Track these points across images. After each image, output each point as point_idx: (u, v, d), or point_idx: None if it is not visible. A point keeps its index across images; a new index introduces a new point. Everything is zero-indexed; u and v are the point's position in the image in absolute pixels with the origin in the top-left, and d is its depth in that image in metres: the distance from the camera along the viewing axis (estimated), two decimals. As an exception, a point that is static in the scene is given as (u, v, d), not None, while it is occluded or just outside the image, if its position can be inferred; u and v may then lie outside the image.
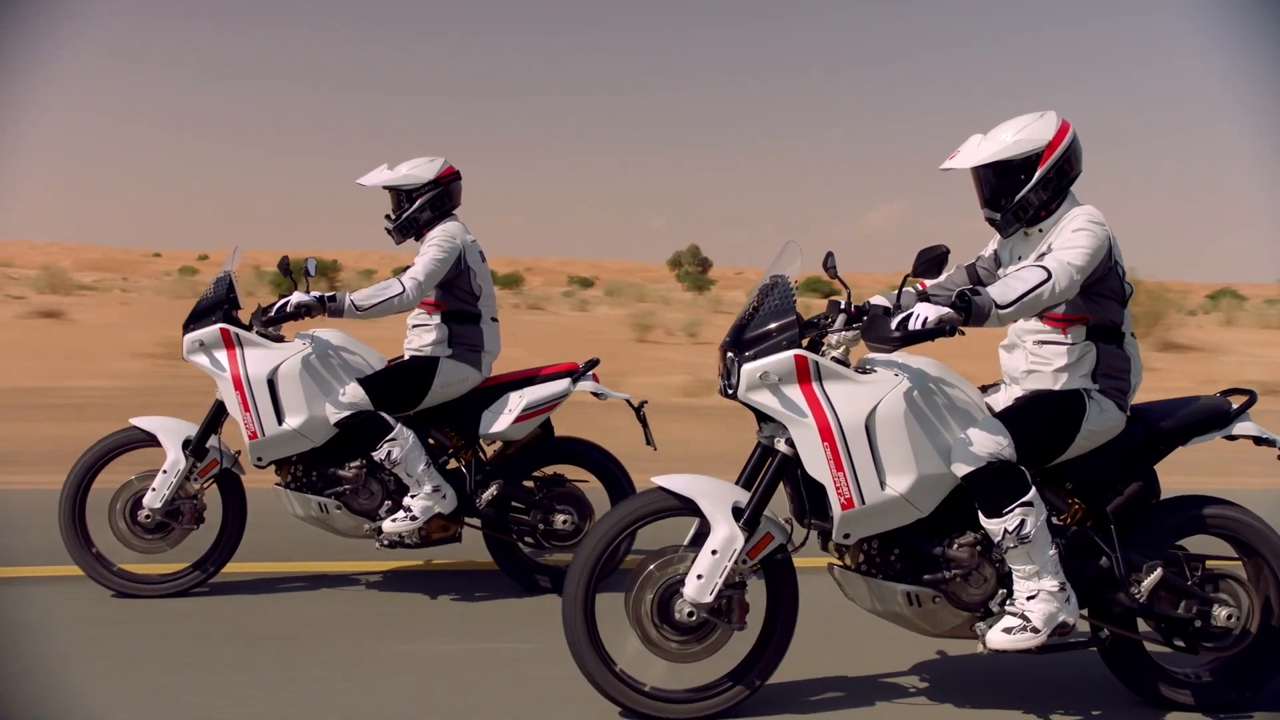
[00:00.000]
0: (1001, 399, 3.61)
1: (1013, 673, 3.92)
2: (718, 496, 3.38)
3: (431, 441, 4.84)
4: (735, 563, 3.33)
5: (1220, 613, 3.51)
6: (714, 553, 3.32)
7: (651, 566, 3.41)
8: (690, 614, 3.32)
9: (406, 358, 4.87)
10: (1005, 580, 3.44)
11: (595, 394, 4.92)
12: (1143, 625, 3.60)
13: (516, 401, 4.77)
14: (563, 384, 4.84)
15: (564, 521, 4.76)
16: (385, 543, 4.68)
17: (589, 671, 3.40)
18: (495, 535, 4.85)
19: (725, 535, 3.32)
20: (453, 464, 4.89)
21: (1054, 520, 3.54)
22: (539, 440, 4.96)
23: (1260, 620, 3.60)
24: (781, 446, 3.39)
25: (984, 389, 3.68)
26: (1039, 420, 3.42)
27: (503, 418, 4.74)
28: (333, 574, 5.07)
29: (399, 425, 4.63)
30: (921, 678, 3.89)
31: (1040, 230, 3.51)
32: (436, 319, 4.82)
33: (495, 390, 4.88)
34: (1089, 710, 3.62)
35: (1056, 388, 3.47)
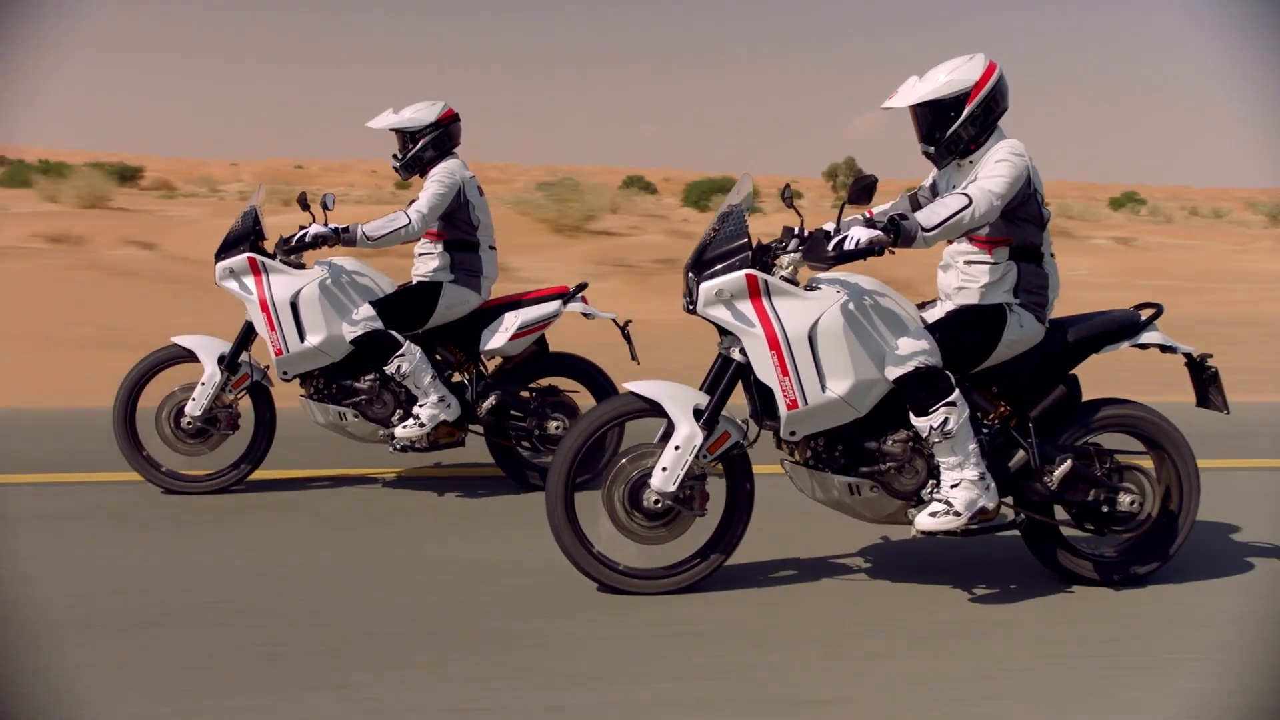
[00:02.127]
0: (936, 313, 4.05)
1: (944, 554, 4.44)
2: (681, 399, 3.86)
3: (439, 358, 5.35)
4: (696, 457, 3.81)
5: (1125, 499, 3.98)
6: (677, 448, 3.81)
7: (624, 460, 3.91)
8: (656, 502, 3.82)
9: (414, 283, 5.36)
10: (935, 472, 3.91)
11: (584, 314, 5.40)
12: (1061, 513, 4.09)
13: (512, 321, 5.27)
14: (554, 305, 5.32)
15: (556, 427, 5.26)
16: (398, 447, 5.20)
17: (569, 553, 3.91)
18: (496, 440, 5.36)
19: (687, 433, 3.81)
20: (457, 377, 5.39)
21: (982, 420, 4.01)
22: (535, 356, 5.46)
23: (1161, 506, 4.08)
24: (736, 355, 3.86)
25: (922, 305, 4.12)
26: (965, 330, 3.88)
27: (499, 335, 5.24)
28: (352, 475, 5.62)
29: (407, 342, 5.13)
30: (865, 559, 4.41)
31: (970, 162, 3.93)
32: (439, 248, 5.31)
33: (494, 311, 5.37)
34: (1008, 584, 4.12)
35: (982, 302, 3.92)
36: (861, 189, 3.59)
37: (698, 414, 3.83)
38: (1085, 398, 4.11)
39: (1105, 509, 3.98)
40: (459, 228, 5.29)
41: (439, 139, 5.31)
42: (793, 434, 3.85)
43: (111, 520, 4.81)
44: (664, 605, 3.83)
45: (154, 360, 5.22)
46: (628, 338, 5.35)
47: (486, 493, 5.37)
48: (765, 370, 3.77)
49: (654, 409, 3.88)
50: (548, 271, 13.59)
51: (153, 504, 5.06)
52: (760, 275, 3.78)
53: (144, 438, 5.19)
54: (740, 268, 3.78)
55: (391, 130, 5.32)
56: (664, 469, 3.81)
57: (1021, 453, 3.98)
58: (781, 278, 3.82)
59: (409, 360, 5.11)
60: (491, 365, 5.50)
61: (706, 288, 3.79)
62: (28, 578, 3.99)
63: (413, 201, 5.18)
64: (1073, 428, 4.04)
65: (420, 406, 5.17)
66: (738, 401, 3.97)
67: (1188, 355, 4.10)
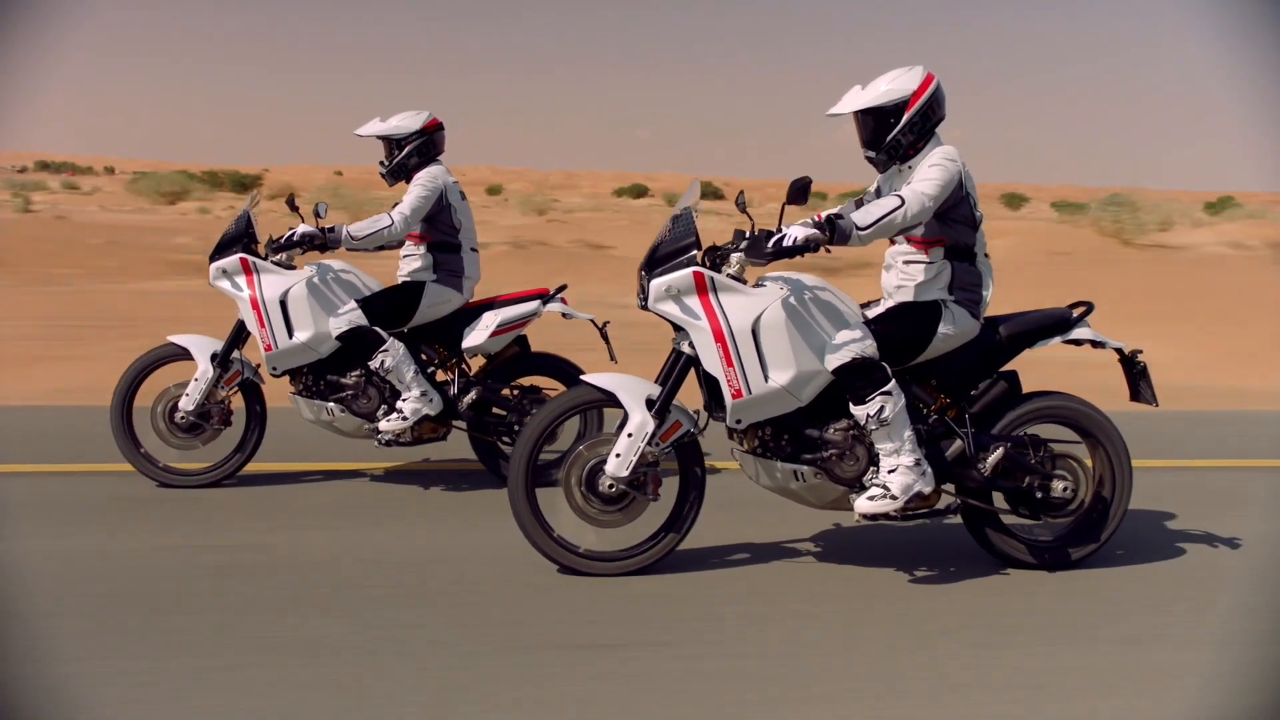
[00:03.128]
0: (878, 311, 4.29)
1: (890, 540, 4.68)
2: (634, 390, 4.12)
3: (424, 356, 5.62)
4: (648, 444, 4.06)
5: (1058, 485, 4.20)
6: (629, 435, 4.06)
7: (581, 447, 4.18)
8: (611, 486, 4.06)
9: (399, 282, 5.64)
10: (875, 460, 4.14)
11: (563, 314, 5.66)
12: (1001, 501, 4.31)
13: (491, 319, 5.53)
14: (533, 305, 5.58)
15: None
16: (383, 440, 5.47)
17: (531, 537, 4.15)
18: (478, 436, 5.62)
19: (639, 421, 4.06)
20: (442, 375, 5.66)
21: (923, 411, 4.24)
22: (518, 356, 5.72)
23: (1094, 493, 4.29)
24: (685, 348, 4.11)
25: (867, 304, 4.36)
26: (902, 324, 4.12)
27: (479, 333, 5.51)
28: (342, 470, 5.89)
29: (390, 338, 5.41)
30: (815, 544, 4.63)
31: (910, 167, 4.17)
32: (422, 249, 5.59)
33: (477, 310, 5.63)
34: (948, 567, 4.35)
35: (918, 299, 4.16)
36: (798, 190, 3.84)
37: (650, 403, 4.08)
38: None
39: (1039, 495, 4.20)
40: (441, 230, 5.57)
41: (423, 146, 5.60)
42: (738, 421, 4.09)
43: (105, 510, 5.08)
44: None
45: (150, 358, 5.50)
46: (605, 337, 5.60)
47: (468, 487, 5.62)
48: (711, 361, 4.02)
49: (608, 399, 4.14)
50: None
51: (146, 496, 5.33)
52: (707, 272, 4.03)
53: (141, 434, 5.46)
54: (688, 265, 4.03)
55: (378, 138, 5.61)
56: (618, 455, 4.05)
57: (958, 441, 4.20)
58: (729, 275, 4.07)
59: (392, 355, 5.38)
60: (476, 364, 5.76)
61: (656, 284, 4.05)
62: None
63: (396, 204, 5.47)
64: (1009, 418, 4.26)
65: (403, 401, 5.44)
66: (695, 394, 4.22)
67: (1119, 350, 4.31)
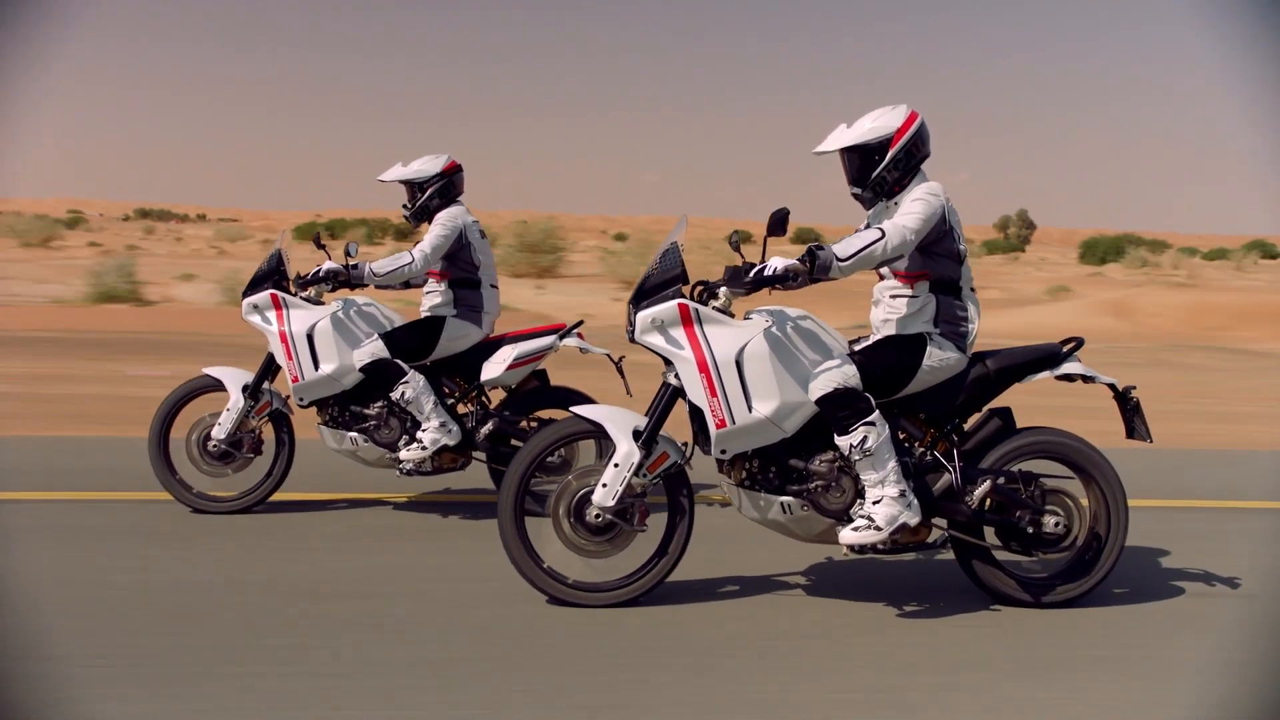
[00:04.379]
0: (865, 345, 4.32)
1: (880, 575, 4.68)
2: (621, 421, 4.20)
3: (446, 390, 5.79)
4: (634, 474, 4.13)
5: (1049, 521, 4.17)
6: (615, 465, 4.14)
7: (570, 477, 4.26)
8: (597, 516, 4.14)
9: (421, 317, 5.83)
10: (863, 492, 4.16)
11: (580, 349, 5.79)
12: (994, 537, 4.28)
13: (508, 353, 5.69)
14: (549, 339, 5.72)
15: (554, 455, 5.63)
16: (404, 470, 5.63)
17: (520, 568, 4.23)
18: (495, 466, 5.76)
19: (625, 451, 4.14)
20: (463, 408, 5.83)
21: (911, 445, 4.25)
22: (537, 389, 5.86)
23: (1089, 529, 4.25)
24: (671, 379, 4.19)
25: (856, 340, 4.39)
26: (886, 356, 4.15)
27: (496, 366, 5.66)
28: (366, 499, 6.06)
29: (411, 371, 5.60)
30: (806, 577, 4.65)
31: (896, 203, 4.21)
32: (443, 285, 5.80)
33: (496, 345, 5.80)
34: (938, 601, 4.33)
35: (903, 332, 4.19)
36: (776, 221, 3.93)
37: (637, 435, 4.16)
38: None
39: (1031, 530, 4.17)
40: (461, 267, 5.76)
41: (444, 188, 5.82)
42: (723, 452, 4.14)
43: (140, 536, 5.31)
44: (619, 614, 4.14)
45: (187, 389, 5.76)
46: (621, 372, 5.70)
47: (487, 515, 5.74)
48: (695, 391, 4.09)
49: (596, 430, 4.23)
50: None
51: (179, 522, 5.55)
52: (692, 304, 4.12)
53: (177, 461, 5.70)
54: (673, 298, 4.12)
55: (400, 182, 5.84)
56: (604, 485, 4.14)
57: (947, 475, 4.19)
58: (715, 308, 4.15)
59: (413, 387, 5.56)
60: (496, 396, 5.91)
61: (643, 316, 4.14)
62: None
63: (418, 243, 5.68)
64: (999, 452, 4.25)
65: (423, 431, 5.60)
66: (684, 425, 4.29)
67: (1111, 386, 4.28)
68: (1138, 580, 4.64)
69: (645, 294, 4.19)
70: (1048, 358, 4.26)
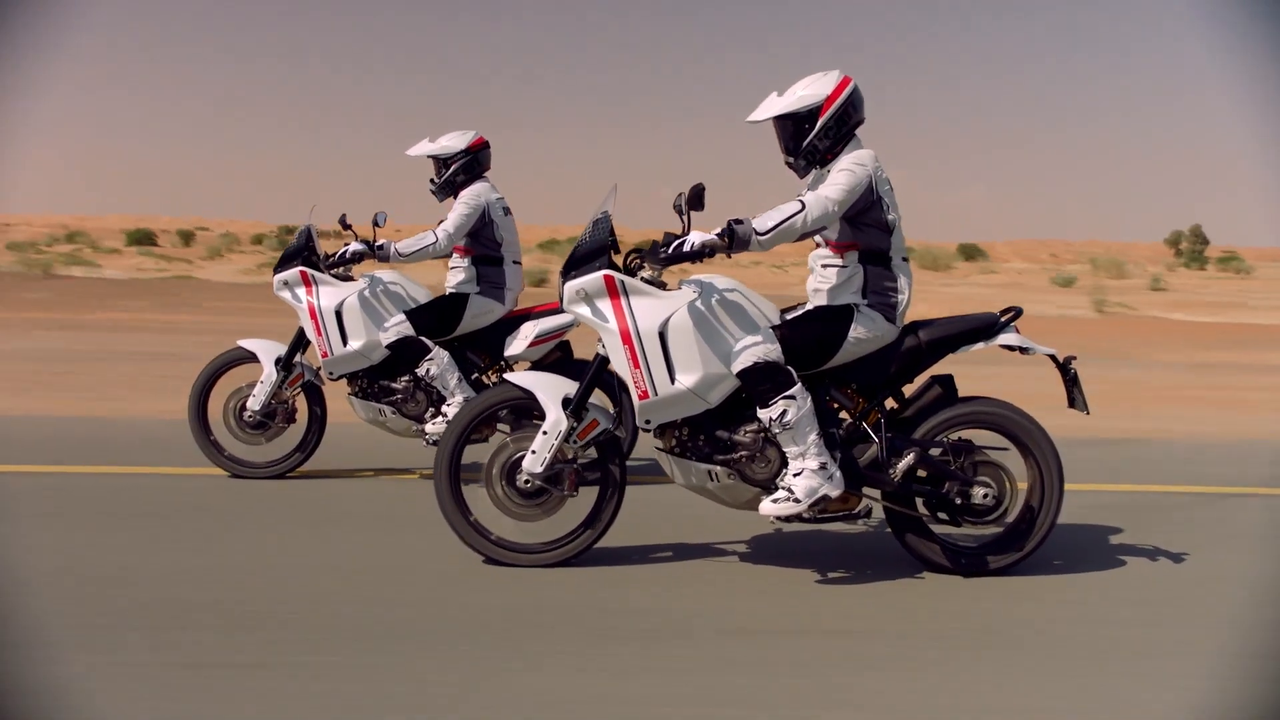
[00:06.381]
0: (797, 315, 4.29)
1: (814, 543, 4.69)
2: (551, 389, 4.25)
3: (472, 363, 5.94)
4: (563, 441, 4.18)
5: (979, 492, 4.13)
6: (544, 432, 4.19)
7: (508, 439, 4.32)
8: (527, 481, 4.21)
9: (445, 294, 5.97)
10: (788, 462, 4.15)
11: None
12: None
13: (530, 329, 5.84)
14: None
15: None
16: (429, 441, 5.78)
17: (449, 518, 4.31)
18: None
19: (554, 418, 4.19)
20: (487, 380, 5.99)
21: (841, 415, 4.23)
22: (559, 362, 5.96)
23: (1023, 500, 4.20)
24: (599, 349, 4.22)
25: (790, 308, 4.35)
26: (812, 328, 4.12)
27: (519, 342, 5.84)
28: (394, 467, 6.21)
29: (436, 347, 5.77)
30: (746, 545, 4.66)
31: (829, 171, 4.15)
32: (466, 262, 5.94)
33: (519, 320, 5.93)
34: (865, 569, 4.32)
35: (831, 302, 4.15)
36: (693, 196, 3.91)
37: (566, 402, 4.20)
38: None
39: (959, 501, 4.13)
40: (484, 244, 5.90)
41: (469, 164, 5.95)
42: (647, 422, 4.17)
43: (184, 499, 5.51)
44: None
45: (222, 360, 5.97)
46: None
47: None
48: (619, 362, 4.11)
49: (527, 397, 4.28)
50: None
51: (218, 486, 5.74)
52: (618, 276, 4.13)
53: (215, 429, 5.90)
54: (599, 269, 4.14)
55: (428, 157, 5.97)
56: (534, 451, 4.19)
57: (874, 446, 4.16)
58: (644, 279, 4.15)
59: (437, 364, 5.73)
60: (521, 370, 6.00)
61: (569, 287, 4.17)
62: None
63: (442, 221, 5.81)
64: (933, 422, 4.20)
65: (447, 405, 5.77)
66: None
67: (1051, 357, 4.19)
68: (1084, 553, 4.56)
69: (575, 264, 4.21)
70: (983, 328, 4.19)
